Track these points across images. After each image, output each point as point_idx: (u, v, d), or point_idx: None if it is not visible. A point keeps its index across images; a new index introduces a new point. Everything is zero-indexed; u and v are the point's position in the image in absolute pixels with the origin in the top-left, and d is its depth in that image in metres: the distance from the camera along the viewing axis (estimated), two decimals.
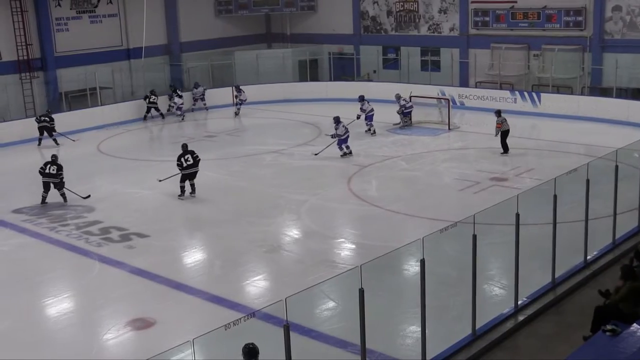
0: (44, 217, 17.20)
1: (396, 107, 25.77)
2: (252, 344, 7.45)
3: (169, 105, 29.73)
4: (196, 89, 30.79)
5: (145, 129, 28.14)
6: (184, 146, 18.80)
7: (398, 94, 25.89)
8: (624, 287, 9.91)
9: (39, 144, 24.92)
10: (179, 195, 18.20)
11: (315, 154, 22.13)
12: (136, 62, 31.98)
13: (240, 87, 29.81)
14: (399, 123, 25.71)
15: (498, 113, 22.04)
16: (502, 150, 21.57)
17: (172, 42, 34.36)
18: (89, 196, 18.43)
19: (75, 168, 21.75)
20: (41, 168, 18.17)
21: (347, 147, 21.86)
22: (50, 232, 16.18)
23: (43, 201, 18.10)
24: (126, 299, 12.71)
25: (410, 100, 26.00)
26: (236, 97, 29.70)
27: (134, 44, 32.14)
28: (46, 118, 25.13)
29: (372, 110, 24.64)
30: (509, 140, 21.55)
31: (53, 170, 18.03)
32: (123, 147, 24.63)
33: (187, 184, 18.31)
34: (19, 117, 27.39)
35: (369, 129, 24.66)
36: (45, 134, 24.96)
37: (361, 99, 24.87)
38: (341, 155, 21.81)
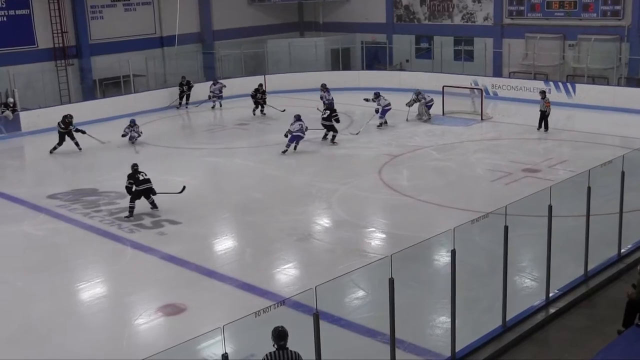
0: (78, 203, 17.41)
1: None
2: (282, 326, 7.49)
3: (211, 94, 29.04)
4: (215, 85, 29.18)
5: (178, 116, 28.30)
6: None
7: (418, 91, 25.70)
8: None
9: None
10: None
11: (355, 134, 22.94)
12: (169, 50, 32.20)
13: (219, 80, 29.43)
14: (424, 116, 25.36)
15: (543, 93, 23.19)
16: (539, 128, 22.84)
17: (205, 30, 34.49)
18: (184, 188, 16.99)
19: (108, 155, 22.02)
20: (129, 183, 16.23)
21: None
22: (84, 217, 16.39)
23: (131, 214, 16.13)
24: (157, 285, 12.84)
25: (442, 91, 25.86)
26: (212, 91, 28.97)
27: (167, 32, 32.34)
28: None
29: (388, 104, 24.50)
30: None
31: (145, 175, 16.37)
32: (155, 134, 24.80)
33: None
34: (54, 104, 27.74)
35: (381, 124, 24.50)
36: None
37: (376, 95, 24.72)
38: (377, 126, 23.95)
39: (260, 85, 27.78)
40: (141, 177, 16.33)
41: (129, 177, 16.37)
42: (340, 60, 33.73)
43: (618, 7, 28.07)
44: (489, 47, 31.47)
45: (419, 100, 25.27)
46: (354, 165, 20.17)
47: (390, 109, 24.51)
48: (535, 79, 29.02)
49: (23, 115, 25.92)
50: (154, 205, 16.55)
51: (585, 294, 11.30)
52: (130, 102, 28.32)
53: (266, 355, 7.40)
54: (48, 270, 13.62)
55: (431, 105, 25.37)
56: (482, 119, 25.18)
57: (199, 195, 17.97)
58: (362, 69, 33.63)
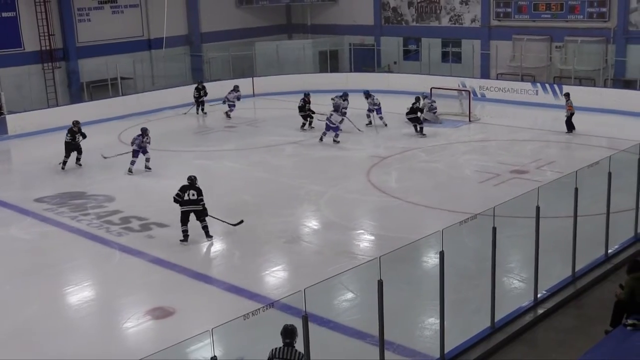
0: (65, 207, 17.34)
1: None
2: (291, 325, 7.78)
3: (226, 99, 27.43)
4: (236, 92, 27.36)
5: (166, 119, 28.19)
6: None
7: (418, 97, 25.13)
8: (627, 281, 9.73)
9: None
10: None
11: (360, 130, 23.79)
12: (157, 52, 32.12)
13: (238, 89, 27.62)
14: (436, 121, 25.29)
15: (567, 95, 23.10)
16: (567, 131, 22.78)
17: (192, 32, 34.46)
18: (241, 222, 15.28)
19: (97, 158, 21.90)
20: (177, 195, 14.54)
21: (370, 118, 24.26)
22: (72, 221, 16.31)
23: (185, 237, 14.53)
24: (146, 288, 12.80)
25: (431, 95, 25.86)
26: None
27: (155, 35, 32.29)
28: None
29: (378, 104, 24.65)
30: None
31: (193, 195, 14.45)
32: None
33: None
34: (41, 107, 27.61)
35: (370, 122, 24.65)
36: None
37: (367, 94, 24.76)
38: (366, 124, 24.51)
39: (307, 95, 25.32)
40: (186, 197, 14.37)
41: (180, 189, 14.60)
42: (329, 63, 33.76)
43: (604, 9, 28.25)
44: (477, 49, 31.59)
45: (422, 109, 25.07)
46: (342, 168, 20.18)
47: (378, 108, 24.68)
48: (522, 80, 29.16)
49: (10, 118, 25.78)
50: (206, 233, 14.59)
51: (573, 294, 11.37)
52: (118, 105, 28.23)
53: (272, 349, 7.74)
54: (36, 273, 13.55)
55: (435, 108, 25.25)
56: (470, 120, 25.26)
57: None
58: (350, 71, 33.69)
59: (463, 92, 26.98)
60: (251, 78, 31.24)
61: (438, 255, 9.05)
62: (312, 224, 16.13)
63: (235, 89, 27.41)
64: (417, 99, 23.99)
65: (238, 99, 27.41)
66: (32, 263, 14.11)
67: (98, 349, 10.69)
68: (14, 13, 28.59)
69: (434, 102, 25.27)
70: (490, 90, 29.05)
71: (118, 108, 28.04)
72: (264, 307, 7.27)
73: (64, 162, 20.78)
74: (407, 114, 23.41)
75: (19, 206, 17.55)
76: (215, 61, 33.86)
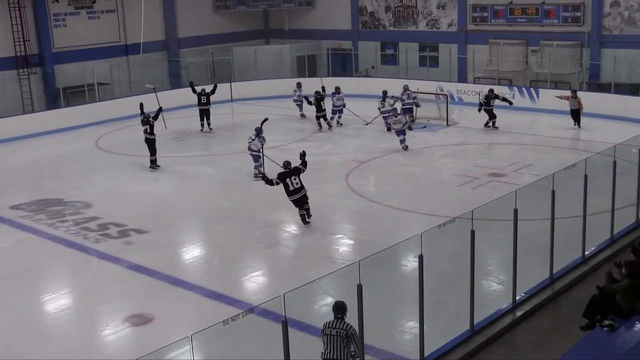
0: (42, 214, 17.18)
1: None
2: (342, 301, 8.49)
3: None
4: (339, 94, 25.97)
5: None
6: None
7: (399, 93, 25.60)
8: (624, 281, 9.80)
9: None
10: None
11: (366, 124, 24.67)
12: (134, 58, 31.95)
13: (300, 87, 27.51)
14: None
15: (575, 92, 24.26)
16: (575, 124, 23.98)
17: (170, 38, 34.34)
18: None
19: (74, 164, 21.78)
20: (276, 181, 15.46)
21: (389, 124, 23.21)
22: (49, 228, 16.17)
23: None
24: (124, 295, 12.71)
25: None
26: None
27: (132, 40, 32.12)
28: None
29: (342, 105, 25.43)
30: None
31: (298, 182, 15.22)
32: (121, 143, 24.58)
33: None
34: (16, 113, 27.34)
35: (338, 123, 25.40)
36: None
37: (384, 95, 24.51)
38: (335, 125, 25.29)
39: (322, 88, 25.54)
40: (291, 187, 15.15)
41: (279, 176, 15.36)
42: (306, 67, 33.78)
43: (578, 14, 28.56)
44: (454, 53, 31.78)
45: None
46: (321, 172, 20.15)
47: (341, 109, 25.32)
48: (499, 84, 29.32)
49: None
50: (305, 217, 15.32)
51: (551, 296, 11.45)
52: (95, 110, 28.03)
53: (325, 322, 8.47)
54: (13, 281, 13.42)
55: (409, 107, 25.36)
56: (447, 124, 25.39)
57: (166, 204, 17.87)
58: (328, 76, 33.67)
59: (441, 96, 27.12)
60: (229, 83, 31.16)
61: (417, 259, 9.07)
62: (291, 228, 16.11)
63: (299, 85, 27.29)
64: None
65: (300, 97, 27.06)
66: (9, 271, 13.96)
67: (76, 356, 10.58)
68: None
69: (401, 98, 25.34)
70: (467, 94, 29.22)
71: (95, 114, 27.82)
72: (243, 312, 7.26)
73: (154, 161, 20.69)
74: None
75: None
76: (192, 66, 33.74)
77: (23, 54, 28.88)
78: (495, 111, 24.12)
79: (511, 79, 29.77)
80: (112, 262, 14.09)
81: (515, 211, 10.68)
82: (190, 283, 12.94)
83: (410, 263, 11.82)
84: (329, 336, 8.38)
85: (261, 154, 19.32)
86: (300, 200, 15.32)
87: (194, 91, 25.40)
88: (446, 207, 15.66)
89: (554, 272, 11.85)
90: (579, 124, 24.05)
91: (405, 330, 10.76)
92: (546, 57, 29.20)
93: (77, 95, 29.58)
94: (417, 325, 9.41)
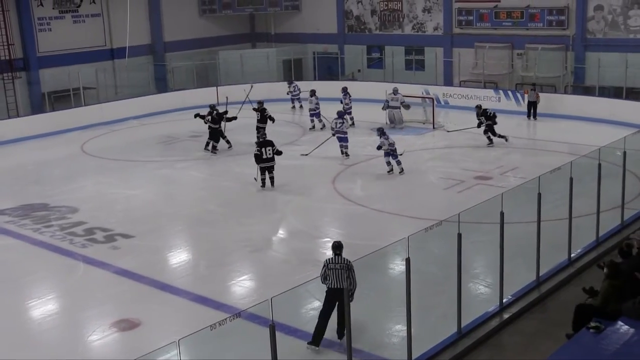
0: (27, 219, 17.07)
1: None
2: (339, 241, 10.24)
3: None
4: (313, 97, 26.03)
5: (130, 129, 27.88)
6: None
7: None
8: (604, 285, 9.84)
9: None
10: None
11: (305, 155, 22.06)
12: (120, 62, 31.82)
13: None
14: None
15: (534, 85, 26.36)
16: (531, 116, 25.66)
17: (155, 42, 34.23)
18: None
19: (59, 169, 21.66)
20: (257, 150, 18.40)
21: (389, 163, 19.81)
22: (34, 233, 16.07)
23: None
24: (111, 300, 12.64)
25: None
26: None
27: (118, 44, 31.97)
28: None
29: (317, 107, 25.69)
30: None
31: (270, 153, 18.46)
32: (107, 147, 24.50)
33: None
34: (1, 117, 27.17)
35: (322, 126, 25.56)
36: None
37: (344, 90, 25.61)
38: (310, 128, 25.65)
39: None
40: (264, 156, 18.32)
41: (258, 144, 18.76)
42: (293, 71, 33.79)
43: (563, 17, 28.74)
44: (440, 57, 31.87)
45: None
46: (308, 176, 20.19)
47: (317, 112, 25.61)
48: (485, 87, 29.49)
49: None
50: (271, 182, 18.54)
51: (538, 298, 11.52)
52: (81, 115, 27.91)
53: (326, 259, 10.08)
54: None
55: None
56: (434, 127, 25.46)
57: (152, 208, 17.79)
58: (315, 79, 33.74)
59: (427, 99, 27.19)
60: (215, 87, 31.10)
61: (404, 262, 9.09)
62: (278, 232, 16.11)
63: (312, 93, 26.39)
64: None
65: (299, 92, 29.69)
66: None
67: None
68: None
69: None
70: (453, 98, 29.33)
71: (81, 118, 27.72)
72: (230, 317, 7.24)
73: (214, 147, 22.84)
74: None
75: None
76: (178, 70, 33.66)
77: (7, 58, 28.68)
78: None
79: (497, 82, 29.91)
80: (98, 267, 14.02)
81: (502, 214, 10.72)
82: (177, 287, 12.90)
83: (398, 266, 11.83)
84: (333, 270, 9.88)
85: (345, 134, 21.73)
86: (269, 169, 18.48)
87: (203, 117, 23.16)
88: (433, 210, 15.70)
89: (540, 274, 11.92)
90: (534, 117, 25.28)
91: (393, 333, 10.76)
92: (531, 60, 29.38)
93: (63, 99, 29.42)
94: (405, 328, 9.42)
